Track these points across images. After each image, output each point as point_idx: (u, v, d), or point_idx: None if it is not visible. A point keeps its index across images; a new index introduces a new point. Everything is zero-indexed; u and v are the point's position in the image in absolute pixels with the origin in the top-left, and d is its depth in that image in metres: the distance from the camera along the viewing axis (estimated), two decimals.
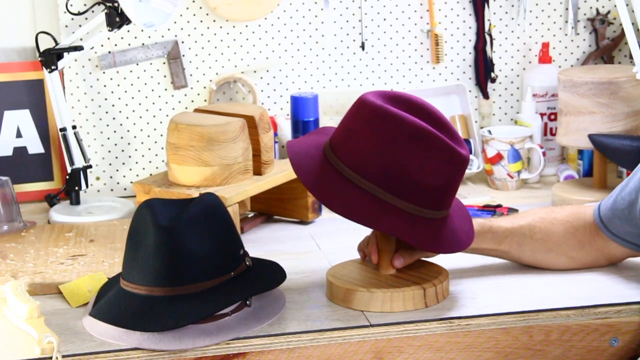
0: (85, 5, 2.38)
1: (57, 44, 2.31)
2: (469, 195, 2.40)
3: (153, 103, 2.48)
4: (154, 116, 2.48)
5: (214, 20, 2.48)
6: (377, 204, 1.67)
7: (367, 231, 1.83)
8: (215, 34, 2.48)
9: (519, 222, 1.88)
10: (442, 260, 1.91)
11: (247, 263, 1.75)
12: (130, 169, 2.49)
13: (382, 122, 1.66)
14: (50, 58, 2.28)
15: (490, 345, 1.73)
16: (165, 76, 2.48)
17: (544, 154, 2.45)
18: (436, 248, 1.73)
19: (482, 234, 1.86)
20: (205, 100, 2.50)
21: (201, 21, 2.47)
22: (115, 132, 2.47)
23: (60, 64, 2.30)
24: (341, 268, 1.85)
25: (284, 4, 2.50)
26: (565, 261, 1.89)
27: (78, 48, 2.28)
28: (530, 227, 1.88)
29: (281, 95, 2.53)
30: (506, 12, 2.60)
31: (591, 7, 2.62)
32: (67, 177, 2.34)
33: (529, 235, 1.87)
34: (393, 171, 1.66)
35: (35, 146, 2.44)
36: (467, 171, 2.49)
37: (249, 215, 2.27)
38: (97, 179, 2.47)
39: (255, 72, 2.51)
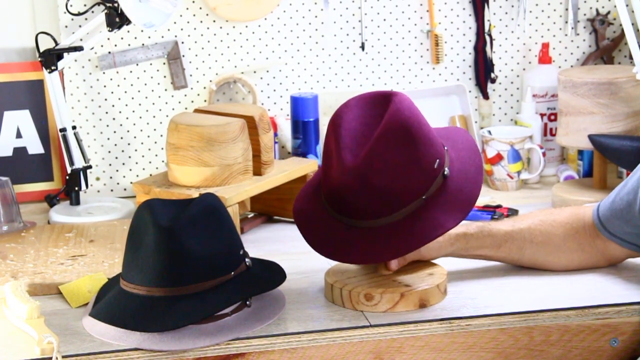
0: (85, 5, 2.38)
1: (57, 44, 2.31)
2: None
3: (153, 103, 2.48)
4: (154, 116, 2.48)
5: (214, 21, 2.48)
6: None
7: None
8: (215, 35, 2.48)
9: (518, 225, 1.88)
10: (441, 259, 1.91)
11: (247, 263, 1.75)
12: (130, 170, 2.49)
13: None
14: (50, 58, 2.28)
15: (490, 345, 1.73)
16: (165, 76, 2.48)
17: (543, 154, 2.45)
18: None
19: (481, 238, 1.86)
20: (205, 101, 2.50)
21: (201, 21, 2.47)
22: (115, 132, 2.47)
23: (60, 64, 2.29)
24: (339, 269, 1.86)
25: (283, 5, 2.50)
26: (565, 263, 1.89)
27: (78, 48, 2.28)
28: (530, 230, 1.87)
29: (281, 95, 2.53)
30: (506, 13, 2.60)
31: (591, 8, 2.62)
32: (67, 177, 2.34)
33: (529, 239, 1.87)
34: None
35: (35, 146, 2.44)
36: None
37: (249, 216, 2.27)
38: (97, 179, 2.47)
39: (255, 72, 2.51)
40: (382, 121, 1.70)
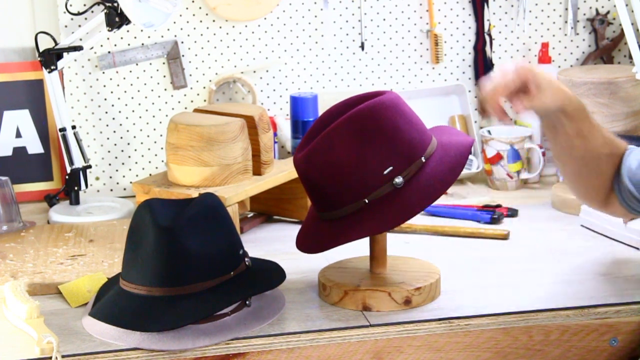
0: (84, 5, 2.38)
1: (56, 44, 2.31)
2: (468, 195, 2.40)
3: (152, 103, 2.48)
4: (154, 116, 2.48)
5: (214, 21, 2.48)
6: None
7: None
8: (214, 34, 2.48)
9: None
10: (441, 260, 1.91)
11: (247, 263, 1.75)
12: (130, 169, 2.49)
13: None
14: (50, 58, 2.28)
15: (489, 345, 1.74)
16: (164, 76, 2.48)
17: (543, 154, 2.45)
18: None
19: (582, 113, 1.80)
20: (204, 101, 2.50)
21: (200, 21, 2.47)
22: (114, 132, 2.47)
23: (60, 64, 2.29)
24: (333, 268, 1.86)
25: (283, 4, 2.50)
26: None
27: (77, 48, 2.28)
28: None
29: (281, 95, 2.53)
30: (506, 13, 2.60)
31: (591, 7, 2.62)
32: (67, 177, 2.34)
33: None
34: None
35: (34, 146, 2.44)
36: (466, 171, 2.50)
37: (249, 216, 2.27)
38: (97, 179, 2.47)
39: (254, 72, 2.51)
40: (339, 118, 1.71)
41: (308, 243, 1.80)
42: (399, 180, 1.70)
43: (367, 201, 1.70)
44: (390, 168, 1.70)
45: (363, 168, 1.69)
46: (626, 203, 1.82)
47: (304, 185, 1.78)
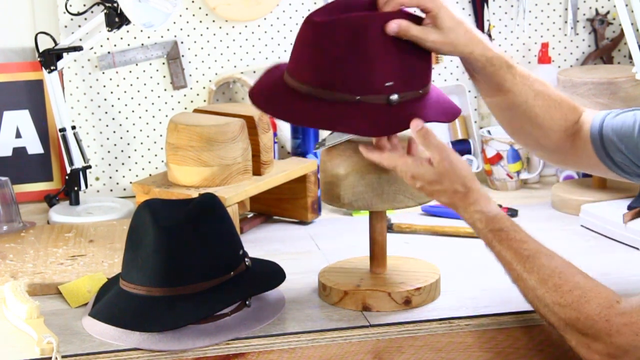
0: (84, 5, 2.38)
1: (56, 44, 2.31)
2: None
3: (152, 103, 2.48)
4: (153, 116, 2.48)
5: (213, 21, 2.48)
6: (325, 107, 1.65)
7: (364, 229, 1.83)
8: (214, 34, 2.48)
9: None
10: (441, 260, 1.91)
11: (247, 263, 1.75)
12: (130, 169, 2.49)
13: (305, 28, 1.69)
14: (50, 58, 2.28)
15: (490, 345, 1.73)
16: (164, 76, 2.48)
17: None
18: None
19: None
20: (204, 101, 2.50)
21: (200, 21, 2.47)
22: (114, 132, 2.47)
23: (60, 64, 2.30)
24: (333, 268, 1.86)
25: (283, 5, 2.50)
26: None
27: (77, 48, 2.28)
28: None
29: None
30: (505, 13, 2.60)
31: (590, 8, 2.62)
32: (67, 177, 2.34)
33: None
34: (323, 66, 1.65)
35: (34, 146, 2.44)
36: None
37: (249, 216, 2.27)
38: (97, 179, 2.47)
39: (254, 72, 2.51)
40: (370, 9, 1.66)
41: (273, 103, 1.71)
42: (394, 97, 1.64)
43: (358, 99, 1.64)
44: (391, 83, 1.65)
45: (371, 66, 1.64)
46: (612, 161, 1.76)
47: (307, 45, 1.66)
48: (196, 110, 2.24)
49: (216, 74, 2.50)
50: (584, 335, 1.56)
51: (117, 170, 2.48)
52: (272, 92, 1.73)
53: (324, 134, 2.43)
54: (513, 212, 2.24)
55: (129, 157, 2.48)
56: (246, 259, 1.76)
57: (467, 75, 2.58)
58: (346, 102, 1.64)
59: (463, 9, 2.57)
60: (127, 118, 2.47)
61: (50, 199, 2.37)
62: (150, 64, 2.47)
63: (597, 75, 2.31)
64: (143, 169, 2.49)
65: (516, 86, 1.74)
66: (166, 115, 2.47)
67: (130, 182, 2.43)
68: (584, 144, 1.78)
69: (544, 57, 2.57)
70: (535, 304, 1.62)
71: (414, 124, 1.64)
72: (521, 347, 1.75)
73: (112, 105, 2.46)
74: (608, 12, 2.61)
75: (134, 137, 2.48)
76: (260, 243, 2.12)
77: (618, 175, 1.79)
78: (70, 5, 2.34)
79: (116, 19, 2.24)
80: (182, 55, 2.47)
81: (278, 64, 1.81)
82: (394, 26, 1.62)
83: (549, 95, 1.77)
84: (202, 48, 2.48)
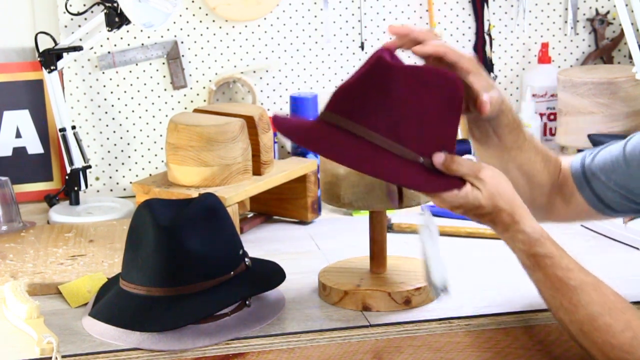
0: (84, 5, 2.38)
1: (56, 44, 2.31)
2: None
3: (152, 103, 2.48)
4: (154, 116, 2.48)
5: (213, 21, 2.48)
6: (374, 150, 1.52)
7: (364, 229, 1.83)
8: (214, 34, 2.48)
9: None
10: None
11: (247, 263, 1.75)
12: (130, 169, 2.49)
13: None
14: (50, 58, 2.28)
15: (489, 345, 1.73)
16: (164, 76, 2.48)
17: None
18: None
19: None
20: (204, 101, 2.50)
21: (200, 21, 2.47)
22: (114, 132, 2.47)
23: (60, 64, 2.30)
24: (333, 268, 1.86)
25: (283, 4, 2.50)
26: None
27: (77, 48, 2.28)
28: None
29: (280, 95, 2.53)
30: (505, 13, 2.60)
31: (590, 7, 2.62)
32: (67, 177, 2.34)
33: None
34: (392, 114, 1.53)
35: (34, 146, 2.44)
36: None
37: (249, 216, 2.27)
38: (97, 179, 2.47)
39: (254, 72, 2.51)
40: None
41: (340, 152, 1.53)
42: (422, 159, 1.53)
43: (422, 160, 1.53)
44: (422, 158, 1.54)
45: (453, 132, 1.55)
46: (602, 203, 1.72)
47: (359, 79, 1.56)
48: (196, 110, 2.24)
49: (216, 74, 2.50)
50: None
51: (117, 170, 2.48)
52: (329, 137, 1.55)
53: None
54: None
55: (129, 157, 2.49)
56: (246, 259, 1.76)
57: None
58: (408, 159, 1.52)
59: (463, 8, 2.57)
60: (127, 118, 2.47)
61: (50, 199, 2.37)
62: (150, 64, 2.47)
63: (597, 75, 2.31)
64: (143, 169, 2.49)
65: (526, 142, 1.69)
66: (166, 115, 2.47)
67: (130, 182, 2.43)
68: (571, 192, 1.73)
69: (544, 57, 2.57)
70: (579, 338, 1.54)
71: (437, 159, 1.53)
72: (520, 347, 1.74)
73: (112, 105, 2.46)
74: (608, 12, 2.61)
75: (134, 137, 2.48)
76: (260, 243, 2.12)
77: (613, 216, 1.74)
78: (70, 5, 2.34)
79: (116, 19, 2.24)
80: (182, 55, 2.47)
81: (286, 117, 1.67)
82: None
83: (540, 148, 1.73)
84: (202, 48, 2.48)
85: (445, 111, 1.54)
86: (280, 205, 2.26)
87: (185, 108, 2.48)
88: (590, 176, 1.71)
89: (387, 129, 1.52)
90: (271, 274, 1.79)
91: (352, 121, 1.53)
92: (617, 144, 1.72)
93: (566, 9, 2.61)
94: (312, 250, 2.08)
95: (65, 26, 2.41)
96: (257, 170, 2.17)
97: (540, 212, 1.73)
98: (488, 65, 2.59)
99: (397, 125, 1.52)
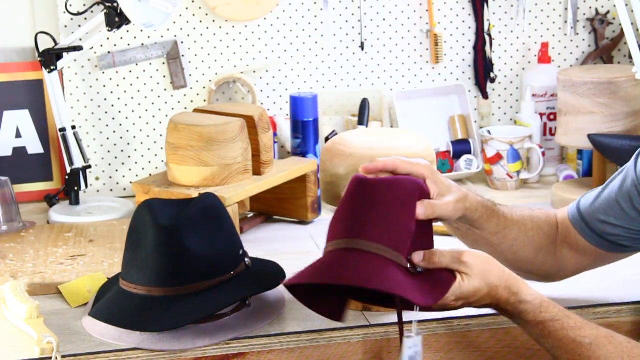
0: (84, 5, 2.38)
1: (56, 44, 2.31)
2: None
3: (152, 103, 2.48)
4: (154, 116, 2.48)
5: (213, 21, 2.48)
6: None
7: None
8: (214, 34, 2.48)
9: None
10: None
11: (247, 263, 1.75)
12: (130, 169, 2.49)
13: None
14: (50, 58, 2.28)
15: (490, 345, 1.73)
16: (164, 76, 2.48)
17: (543, 154, 2.45)
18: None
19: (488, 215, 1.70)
20: (204, 101, 2.50)
21: (200, 21, 2.47)
22: (114, 132, 2.47)
23: (60, 64, 2.29)
24: None
25: (283, 4, 2.50)
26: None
27: (77, 48, 2.28)
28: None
29: (280, 95, 2.53)
30: (505, 12, 2.60)
31: (590, 7, 2.62)
32: (67, 177, 2.34)
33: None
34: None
35: (34, 146, 2.44)
36: (467, 171, 2.50)
37: (249, 216, 2.27)
38: (97, 179, 2.47)
39: (254, 72, 2.51)
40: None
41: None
42: (416, 269, 1.54)
43: (419, 270, 1.54)
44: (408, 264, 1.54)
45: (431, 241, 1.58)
46: (607, 241, 1.72)
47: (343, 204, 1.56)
48: (196, 110, 2.24)
49: (216, 74, 2.50)
50: None
51: (117, 170, 2.48)
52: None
53: (323, 134, 2.43)
54: None
55: (129, 157, 2.48)
56: (246, 259, 1.76)
57: (467, 75, 2.60)
58: (405, 268, 1.53)
59: (463, 8, 2.57)
60: (127, 118, 2.47)
61: (50, 199, 2.37)
62: (150, 64, 2.47)
63: (597, 75, 2.31)
64: (143, 169, 2.49)
65: (507, 220, 1.68)
66: (166, 115, 2.47)
67: (130, 182, 2.43)
68: (576, 239, 1.73)
69: (544, 57, 2.57)
70: None
71: (416, 257, 1.53)
72: (521, 347, 1.74)
73: (112, 105, 2.46)
74: (608, 12, 2.61)
75: (134, 137, 2.48)
76: (260, 243, 2.12)
77: (622, 253, 1.73)
78: (70, 5, 2.34)
79: (116, 19, 2.24)
80: (182, 55, 2.47)
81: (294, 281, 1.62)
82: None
83: (525, 215, 1.72)
84: (202, 48, 2.48)
85: (406, 209, 1.54)
86: (280, 205, 2.26)
87: (185, 108, 2.48)
88: (588, 218, 1.72)
89: (392, 245, 1.52)
90: (271, 274, 1.79)
91: (354, 239, 1.52)
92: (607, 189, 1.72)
93: (566, 9, 2.61)
94: (312, 250, 2.08)
95: (65, 26, 2.41)
96: (257, 170, 2.17)
97: (553, 270, 1.76)
98: (488, 65, 2.59)
99: (401, 239, 1.52)
